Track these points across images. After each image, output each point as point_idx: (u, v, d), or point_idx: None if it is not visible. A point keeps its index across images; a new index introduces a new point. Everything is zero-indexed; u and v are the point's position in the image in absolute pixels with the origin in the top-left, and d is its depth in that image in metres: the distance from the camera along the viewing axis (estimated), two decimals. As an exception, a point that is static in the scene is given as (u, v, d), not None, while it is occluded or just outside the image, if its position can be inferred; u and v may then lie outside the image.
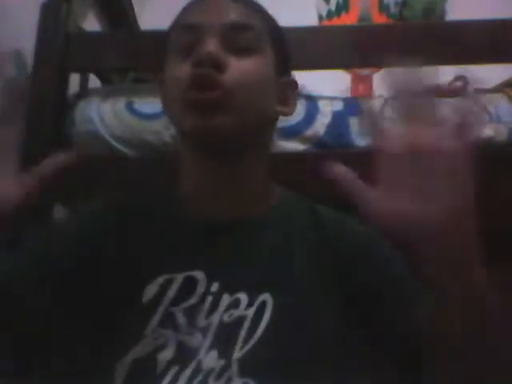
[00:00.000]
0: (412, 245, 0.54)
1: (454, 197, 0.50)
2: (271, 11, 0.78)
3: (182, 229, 0.71)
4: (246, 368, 0.61)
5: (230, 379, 0.60)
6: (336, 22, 2.19)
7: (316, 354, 0.64)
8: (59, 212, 1.24)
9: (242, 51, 0.69)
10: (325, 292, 0.68)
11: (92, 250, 0.69)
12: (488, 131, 1.10)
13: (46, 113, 1.15)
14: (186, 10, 0.75)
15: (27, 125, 1.15)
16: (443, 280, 0.54)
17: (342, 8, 2.21)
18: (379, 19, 2.16)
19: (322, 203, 0.96)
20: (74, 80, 1.28)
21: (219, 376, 0.60)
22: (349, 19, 2.18)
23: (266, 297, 0.65)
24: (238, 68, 0.68)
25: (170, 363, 0.61)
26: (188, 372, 0.61)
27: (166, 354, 0.62)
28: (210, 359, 0.61)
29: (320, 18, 2.23)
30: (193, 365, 0.61)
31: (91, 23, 1.61)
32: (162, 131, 1.11)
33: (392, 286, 0.69)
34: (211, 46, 0.67)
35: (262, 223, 0.73)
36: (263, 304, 0.65)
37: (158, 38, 1.25)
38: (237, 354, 0.61)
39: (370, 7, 2.20)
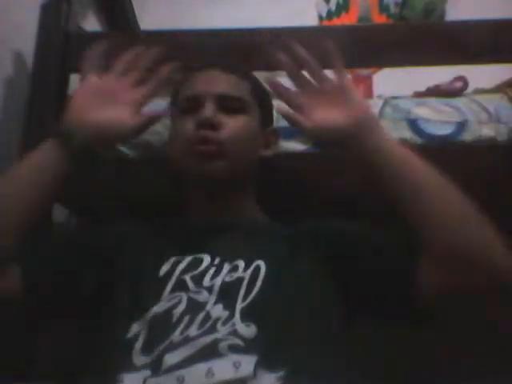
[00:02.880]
0: (338, 143, 0.86)
1: (349, 109, 0.85)
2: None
3: (189, 227, 0.93)
4: (247, 315, 0.74)
5: (234, 324, 0.73)
6: (336, 21, 2.19)
7: (300, 303, 0.79)
8: (59, 212, 1.24)
9: (233, 112, 0.94)
10: (304, 259, 0.85)
11: (124, 241, 0.90)
12: (488, 131, 1.10)
13: (46, 113, 1.15)
14: (189, 83, 0.98)
15: (27, 125, 1.16)
16: (372, 160, 0.82)
17: (342, 8, 2.21)
18: (379, 19, 2.16)
19: (319, 203, 0.99)
20: (74, 80, 1.27)
21: (226, 322, 0.73)
22: (349, 19, 2.18)
23: (259, 262, 0.81)
24: (230, 126, 0.92)
25: (182, 314, 0.75)
26: (199, 319, 0.74)
27: (179, 309, 0.75)
28: (217, 310, 0.75)
29: (320, 18, 2.23)
30: (202, 314, 0.74)
31: (91, 23, 1.61)
32: (163, 131, 1.11)
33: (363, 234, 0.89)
34: (209, 110, 0.91)
35: (254, 223, 0.95)
36: (258, 267, 0.80)
37: (158, 38, 1.26)
38: (239, 306, 0.75)
39: (369, 7, 2.19)
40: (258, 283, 0.78)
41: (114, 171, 1.12)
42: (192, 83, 0.98)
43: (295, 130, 1.11)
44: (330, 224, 0.91)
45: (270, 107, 1.05)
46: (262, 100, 1.01)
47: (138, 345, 0.73)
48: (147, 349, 0.72)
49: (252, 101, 0.98)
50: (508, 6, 1.64)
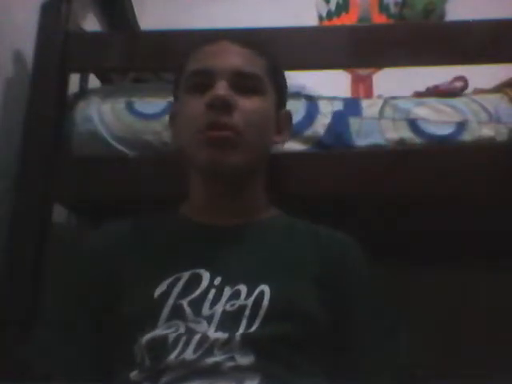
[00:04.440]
0: None
1: None
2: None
3: (187, 234, 0.83)
4: (247, 343, 0.69)
5: (231, 350, 0.68)
6: (336, 22, 2.19)
7: (304, 335, 0.73)
8: (59, 212, 1.24)
9: (248, 92, 0.82)
10: (312, 285, 0.77)
11: (115, 259, 0.81)
12: (488, 131, 1.10)
13: (46, 113, 1.15)
14: (198, 55, 0.86)
15: (27, 125, 1.16)
16: None
17: (342, 8, 2.21)
18: (379, 19, 2.16)
19: (319, 203, 0.98)
20: (74, 80, 1.27)
21: (223, 346, 0.69)
22: (349, 19, 2.18)
23: (263, 287, 0.74)
24: (245, 108, 0.80)
25: (179, 336, 0.70)
26: (195, 340, 0.69)
27: (175, 334, 0.70)
28: (216, 335, 0.70)
29: (320, 17, 2.23)
30: (199, 335, 0.70)
31: (91, 23, 1.61)
32: (162, 131, 1.11)
33: (364, 291, 0.82)
34: (222, 89, 0.79)
35: (258, 227, 0.85)
36: (261, 294, 0.73)
37: (158, 38, 1.26)
38: (239, 333, 0.70)
39: (369, 7, 2.20)
40: (262, 312, 0.72)
41: (114, 171, 1.12)
42: (201, 56, 0.86)
43: (294, 130, 1.12)
44: (352, 268, 0.83)
45: (285, 88, 0.94)
46: (278, 78, 0.90)
47: (136, 365, 0.71)
48: (145, 368, 0.70)
49: (268, 80, 0.86)
50: (508, 6, 1.64)
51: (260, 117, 0.83)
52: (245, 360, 0.68)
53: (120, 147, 1.13)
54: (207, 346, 0.69)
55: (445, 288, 1.42)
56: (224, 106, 0.79)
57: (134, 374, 0.70)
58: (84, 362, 0.78)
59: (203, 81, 0.83)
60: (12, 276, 1.06)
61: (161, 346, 0.70)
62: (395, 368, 0.78)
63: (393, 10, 2.17)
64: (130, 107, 1.15)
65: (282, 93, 0.92)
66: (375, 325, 0.80)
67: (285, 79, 0.95)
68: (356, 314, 0.80)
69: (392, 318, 0.82)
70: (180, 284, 0.75)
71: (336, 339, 0.77)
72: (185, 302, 0.73)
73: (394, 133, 1.11)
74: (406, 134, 1.11)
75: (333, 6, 2.22)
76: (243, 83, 0.82)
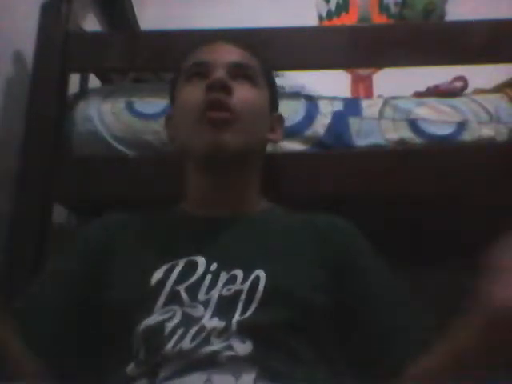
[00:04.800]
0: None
1: None
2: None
3: (185, 224, 0.85)
4: (243, 330, 0.69)
5: (229, 338, 0.68)
6: (336, 22, 2.19)
7: (299, 318, 0.73)
8: (59, 212, 1.24)
9: (244, 81, 0.87)
10: (311, 272, 0.78)
11: (110, 246, 0.82)
12: (488, 131, 1.10)
13: (46, 113, 1.15)
14: (196, 53, 0.91)
15: (27, 125, 1.16)
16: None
17: (342, 8, 2.21)
18: (379, 19, 2.16)
19: (318, 203, 0.98)
20: (74, 80, 1.28)
21: (220, 334, 0.69)
22: (349, 19, 2.18)
23: (259, 272, 0.75)
24: (242, 93, 0.85)
25: (176, 326, 0.70)
26: (193, 331, 0.69)
27: (173, 322, 0.70)
28: (212, 323, 0.70)
29: (320, 17, 2.24)
30: (197, 326, 0.69)
31: (91, 23, 1.61)
32: (162, 131, 1.11)
33: (371, 267, 0.82)
34: (220, 73, 0.85)
35: (255, 218, 0.87)
36: (257, 278, 0.74)
37: (158, 38, 1.26)
38: (235, 319, 0.70)
39: (369, 7, 2.20)
40: (258, 296, 0.72)
41: (114, 171, 1.12)
42: (200, 52, 0.91)
43: (294, 130, 1.12)
44: (353, 250, 0.84)
45: (276, 91, 0.98)
46: (270, 81, 0.96)
47: (132, 357, 0.70)
48: (141, 361, 0.69)
49: (262, 78, 0.92)
50: (508, 6, 1.64)
51: (255, 105, 0.87)
52: (242, 348, 0.68)
53: (120, 147, 1.13)
54: (204, 335, 0.69)
55: (445, 288, 1.42)
56: (223, 87, 0.83)
57: (130, 368, 0.69)
58: (83, 361, 0.78)
59: (201, 70, 0.87)
60: (12, 276, 1.06)
61: (157, 335, 0.70)
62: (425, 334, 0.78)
63: (393, 10, 2.17)
64: (129, 107, 1.15)
65: (274, 93, 0.96)
66: (396, 303, 0.80)
67: (276, 83, 0.99)
68: (374, 298, 0.79)
69: (405, 293, 0.82)
70: (176, 271, 0.76)
71: (347, 325, 0.77)
72: (182, 288, 0.74)
73: (394, 133, 1.11)
74: (406, 134, 1.11)
75: (333, 6, 2.23)
76: (239, 73, 0.87)
